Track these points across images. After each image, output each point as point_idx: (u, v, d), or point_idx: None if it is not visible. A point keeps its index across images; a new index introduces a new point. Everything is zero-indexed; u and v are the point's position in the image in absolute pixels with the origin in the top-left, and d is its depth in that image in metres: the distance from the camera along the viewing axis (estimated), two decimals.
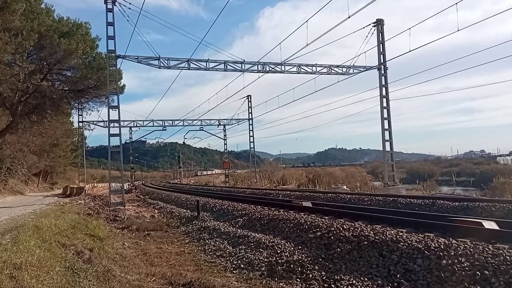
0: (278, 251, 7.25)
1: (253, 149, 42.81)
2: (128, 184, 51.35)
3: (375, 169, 54.88)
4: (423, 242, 5.68)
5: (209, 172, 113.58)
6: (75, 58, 23.05)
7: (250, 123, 41.25)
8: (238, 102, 40.96)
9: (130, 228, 12.90)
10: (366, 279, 5.39)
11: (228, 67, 24.55)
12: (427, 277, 4.95)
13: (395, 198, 13.17)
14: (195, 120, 43.77)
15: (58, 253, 6.81)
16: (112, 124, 21.61)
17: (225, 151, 49.72)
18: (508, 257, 4.64)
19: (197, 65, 23.98)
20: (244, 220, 10.93)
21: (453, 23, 16.29)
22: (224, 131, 47.19)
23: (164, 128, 43.29)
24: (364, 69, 25.83)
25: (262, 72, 25.22)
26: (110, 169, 25.44)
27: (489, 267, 4.61)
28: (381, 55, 23.86)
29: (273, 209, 11.82)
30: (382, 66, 23.95)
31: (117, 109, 21.18)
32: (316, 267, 6.15)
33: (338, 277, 5.60)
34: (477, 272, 4.58)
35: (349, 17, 16.37)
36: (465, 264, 4.80)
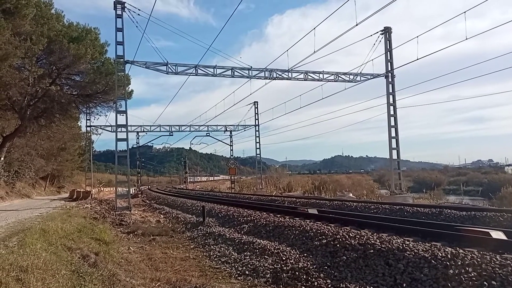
0: (284, 258, 7.21)
1: (259, 155, 42.87)
2: (134, 189, 51.49)
3: (382, 177, 54.44)
4: (430, 251, 5.62)
5: (203, 179, 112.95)
6: (84, 63, 23.34)
7: (257, 129, 41.38)
8: (245, 109, 41.06)
9: (135, 232, 12.91)
10: (372, 287, 5.35)
11: (236, 73, 24.62)
12: (433, 286, 4.89)
13: (402, 207, 13.08)
14: (202, 126, 44.07)
15: (64, 256, 6.85)
16: (119, 129, 21.71)
17: (231, 157, 49.77)
18: None
19: (205, 71, 24.10)
20: (250, 227, 10.90)
21: (461, 31, 16.22)
22: (231, 137, 47.38)
23: (171, 134, 43.56)
24: (372, 77, 25.80)
25: (269, 79, 25.30)
26: (117, 173, 25.58)
27: (496, 277, 4.55)
28: (389, 63, 23.85)
29: (278, 215, 11.78)
30: (390, 74, 23.92)
31: (124, 114, 21.35)
32: (322, 275, 6.11)
33: (344, 285, 5.56)
34: (484, 283, 4.53)
35: (356, 25, 16.48)
36: (472, 274, 4.75)
